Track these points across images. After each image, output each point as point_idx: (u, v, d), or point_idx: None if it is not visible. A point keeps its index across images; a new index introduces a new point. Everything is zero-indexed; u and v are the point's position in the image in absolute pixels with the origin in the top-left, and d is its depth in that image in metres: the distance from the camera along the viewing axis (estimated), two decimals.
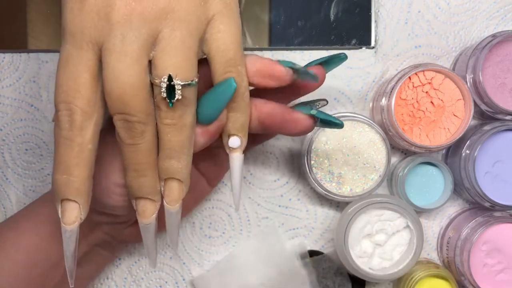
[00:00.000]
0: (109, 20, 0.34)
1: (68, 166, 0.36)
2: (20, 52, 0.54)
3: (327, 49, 0.54)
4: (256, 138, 0.47)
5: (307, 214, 0.55)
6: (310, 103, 0.44)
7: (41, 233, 0.45)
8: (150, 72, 0.36)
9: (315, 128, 0.50)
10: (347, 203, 0.52)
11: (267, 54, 0.54)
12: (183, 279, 0.55)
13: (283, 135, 0.43)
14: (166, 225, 0.40)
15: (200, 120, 0.39)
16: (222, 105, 0.38)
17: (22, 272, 0.45)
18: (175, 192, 0.39)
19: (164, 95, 0.35)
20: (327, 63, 0.41)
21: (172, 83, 0.35)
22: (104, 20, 0.35)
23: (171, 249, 0.42)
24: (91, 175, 0.37)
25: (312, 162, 0.50)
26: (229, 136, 0.40)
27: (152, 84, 0.36)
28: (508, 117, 0.51)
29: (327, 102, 0.46)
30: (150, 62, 0.36)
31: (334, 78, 0.54)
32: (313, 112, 0.41)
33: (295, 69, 0.40)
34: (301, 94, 0.43)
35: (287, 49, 0.54)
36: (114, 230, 0.46)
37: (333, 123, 0.41)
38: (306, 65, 0.41)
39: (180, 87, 0.35)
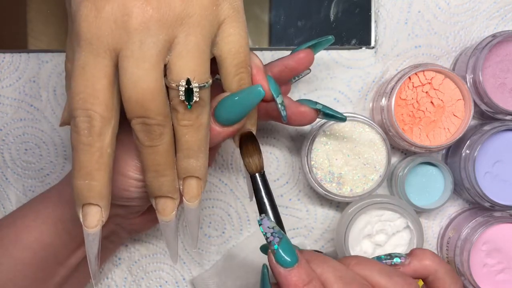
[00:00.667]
0: (126, 28, 0.35)
1: (89, 172, 0.37)
2: (20, 52, 0.53)
3: (327, 49, 0.54)
4: None
5: (307, 214, 0.55)
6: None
7: (42, 231, 0.45)
8: (165, 75, 0.37)
9: (315, 128, 0.50)
10: (347, 203, 0.52)
11: (267, 54, 0.54)
12: (183, 279, 0.55)
13: (289, 125, 0.47)
14: (187, 222, 0.42)
15: (222, 122, 0.40)
16: (248, 111, 0.40)
17: (22, 269, 0.45)
18: (194, 190, 0.40)
19: (183, 98, 0.36)
20: (315, 46, 0.45)
21: (190, 86, 0.36)
22: (122, 28, 0.35)
23: (190, 244, 0.43)
24: (111, 178, 0.38)
25: (312, 162, 0.50)
26: (241, 132, 0.42)
27: (167, 87, 0.37)
28: (508, 117, 0.51)
29: (310, 71, 0.49)
30: (164, 66, 0.37)
31: (334, 78, 0.54)
32: (319, 106, 0.44)
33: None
34: (293, 75, 0.46)
35: (287, 49, 0.54)
36: (126, 220, 0.47)
37: (337, 117, 0.45)
38: (295, 50, 0.44)
39: (198, 90, 0.36)
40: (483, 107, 0.51)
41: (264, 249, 0.41)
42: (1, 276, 0.45)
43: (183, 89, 0.36)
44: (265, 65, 0.44)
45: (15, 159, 0.54)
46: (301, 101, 0.44)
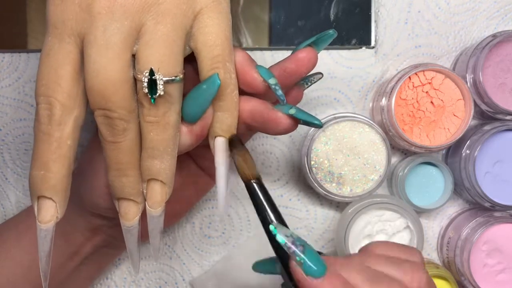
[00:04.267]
0: (90, 12, 0.34)
1: (45, 162, 0.35)
2: (20, 52, 0.53)
3: (327, 49, 0.54)
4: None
5: (307, 214, 0.55)
6: (305, 78, 0.43)
7: None
8: (134, 67, 0.35)
9: (315, 128, 0.50)
10: (347, 204, 0.52)
11: (267, 54, 0.54)
12: (183, 279, 0.55)
13: (268, 134, 0.41)
14: (148, 229, 0.39)
15: (185, 118, 0.37)
16: (206, 103, 0.37)
17: (22, 271, 0.44)
18: (157, 195, 0.37)
19: (146, 90, 0.34)
20: (316, 43, 0.39)
21: (153, 77, 0.34)
22: (86, 12, 0.34)
23: (153, 254, 0.40)
24: (69, 172, 0.36)
25: (312, 162, 0.50)
26: (215, 137, 0.39)
27: (136, 80, 0.35)
28: (508, 117, 0.51)
29: (322, 75, 0.44)
30: (134, 56, 0.35)
31: (334, 78, 0.54)
32: (292, 111, 0.38)
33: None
34: (295, 80, 0.40)
35: (287, 49, 0.53)
36: (117, 232, 0.45)
37: (312, 124, 0.39)
38: (295, 49, 0.39)
39: (163, 83, 0.34)
40: (483, 107, 0.51)
41: (262, 267, 0.38)
42: (3, 280, 0.44)
43: (147, 80, 0.34)
44: None
45: (15, 159, 0.54)
46: (276, 106, 0.39)
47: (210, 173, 0.47)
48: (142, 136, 0.36)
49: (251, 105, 0.39)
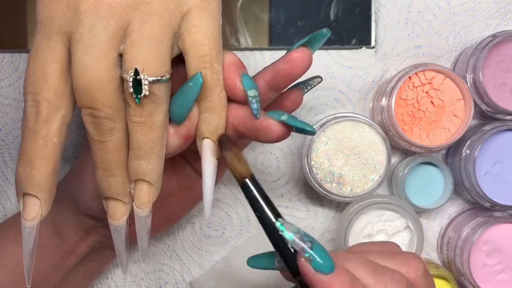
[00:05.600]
0: (77, 10, 0.34)
1: (31, 159, 0.35)
2: (20, 52, 0.53)
3: (326, 49, 0.54)
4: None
5: (307, 214, 0.55)
6: (305, 82, 0.42)
7: (41, 232, 0.45)
8: (121, 66, 0.35)
9: (315, 128, 0.50)
10: (347, 204, 0.52)
11: (267, 54, 0.54)
12: (183, 279, 0.55)
13: (260, 142, 0.40)
14: (136, 230, 0.39)
15: (172, 119, 0.37)
16: (190, 102, 0.36)
17: (21, 270, 0.44)
18: (144, 195, 0.37)
19: (131, 90, 0.34)
20: (310, 43, 0.37)
21: (138, 77, 0.34)
22: (73, 10, 0.34)
23: (140, 255, 0.40)
24: (55, 170, 0.36)
25: (313, 162, 0.50)
26: (202, 139, 0.38)
27: (123, 80, 0.35)
28: (508, 117, 0.51)
29: (321, 79, 0.43)
30: (121, 55, 0.35)
31: (334, 78, 0.54)
32: (283, 118, 0.37)
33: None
34: (289, 82, 0.39)
35: (287, 49, 0.53)
36: (110, 232, 0.45)
37: (305, 131, 0.38)
38: (289, 50, 0.38)
39: (148, 83, 0.34)
40: (483, 107, 0.51)
41: (259, 262, 0.37)
42: (2, 278, 0.45)
43: (131, 79, 0.34)
44: (257, 74, 0.39)
45: (15, 159, 0.54)
46: (268, 113, 0.38)
47: None
48: (129, 136, 0.36)
49: (242, 112, 0.38)
